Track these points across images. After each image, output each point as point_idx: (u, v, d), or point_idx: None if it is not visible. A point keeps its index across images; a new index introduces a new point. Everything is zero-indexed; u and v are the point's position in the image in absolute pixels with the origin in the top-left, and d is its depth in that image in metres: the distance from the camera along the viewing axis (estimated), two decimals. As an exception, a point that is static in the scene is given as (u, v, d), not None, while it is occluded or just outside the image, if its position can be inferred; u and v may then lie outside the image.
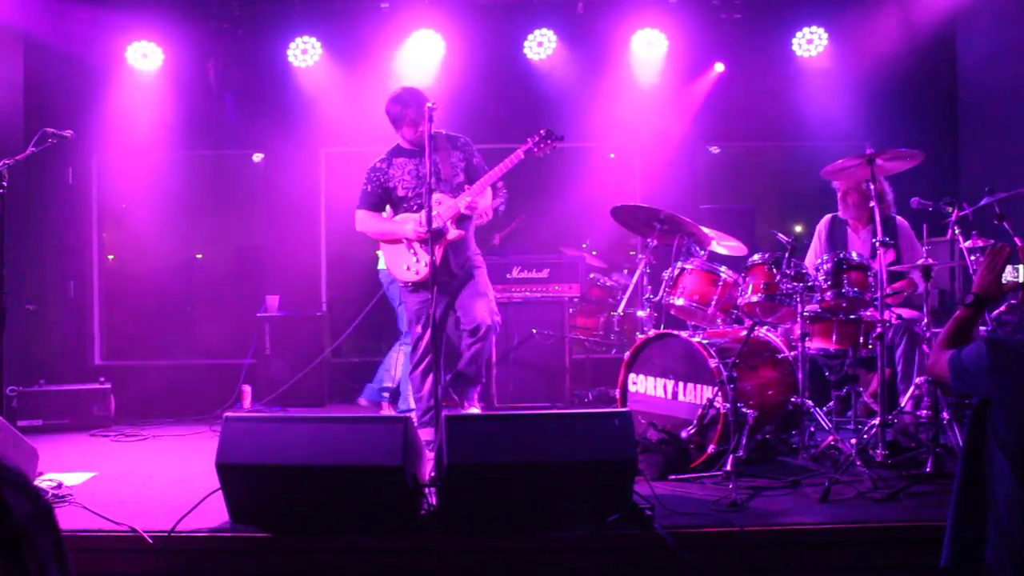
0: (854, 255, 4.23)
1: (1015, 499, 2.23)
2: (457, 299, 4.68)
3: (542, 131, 4.47)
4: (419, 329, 4.59)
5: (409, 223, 4.53)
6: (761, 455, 4.16)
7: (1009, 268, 2.59)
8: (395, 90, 4.68)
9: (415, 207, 4.59)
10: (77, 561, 3.24)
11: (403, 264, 4.61)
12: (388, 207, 4.76)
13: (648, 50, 6.81)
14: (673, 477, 3.88)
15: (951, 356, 2.47)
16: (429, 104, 4.20)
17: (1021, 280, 2.61)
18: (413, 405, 5.58)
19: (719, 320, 4.49)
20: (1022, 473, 2.23)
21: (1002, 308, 4.61)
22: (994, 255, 2.63)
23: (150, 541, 3.11)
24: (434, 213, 4.31)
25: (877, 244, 4.01)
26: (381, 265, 5.58)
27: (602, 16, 6.86)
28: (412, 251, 4.56)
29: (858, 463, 3.77)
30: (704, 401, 4.06)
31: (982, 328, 4.21)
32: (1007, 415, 2.27)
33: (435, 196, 4.40)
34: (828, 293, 4.19)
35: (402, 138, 4.70)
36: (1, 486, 1.37)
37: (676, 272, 4.51)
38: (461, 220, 4.57)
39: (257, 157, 7.68)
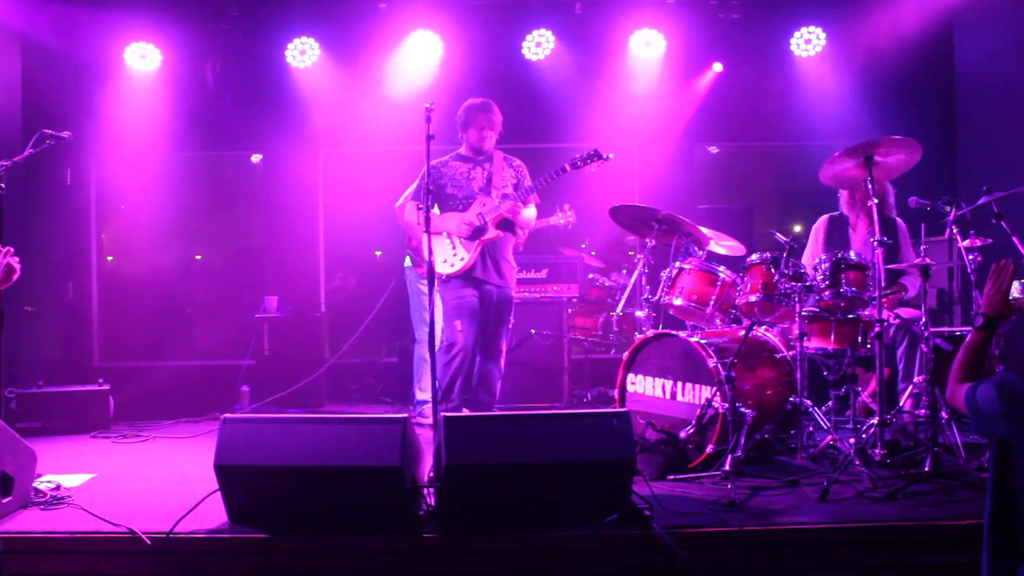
0: (852, 255, 4.24)
1: None
2: (489, 312, 4.88)
3: (591, 150, 4.80)
4: (458, 324, 4.77)
5: (453, 220, 4.83)
6: (760, 455, 4.16)
7: (1016, 284, 2.52)
8: (473, 99, 4.97)
9: (461, 207, 4.87)
10: (76, 563, 3.26)
11: (441, 257, 4.85)
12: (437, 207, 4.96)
13: (646, 50, 6.81)
14: (672, 477, 3.89)
15: (966, 394, 2.39)
16: (427, 104, 4.23)
17: None
18: (423, 396, 5.60)
19: (717, 320, 4.50)
20: None
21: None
22: (999, 273, 2.55)
23: (148, 542, 3.11)
24: (477, 212, 4.82)
25: (875, 243, 4.02)
26: (408, 263, 5.65)
27: (600, 16, 6.86)
28: (451, 245, 4.82)
29: (857, 462, 3.77)
30: (703, 401, 4.06)
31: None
32: None
33: (481, 199, 4.85)
34: (826, 293, 4.19)
35: (465, 143, 4.97)
36: None
37: (674, 272, 4.51)
38: (503, 224, 4.85)
39: (256, 158, 7.69)
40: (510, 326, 5.00)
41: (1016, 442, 2.28)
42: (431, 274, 4.24)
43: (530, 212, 4.96)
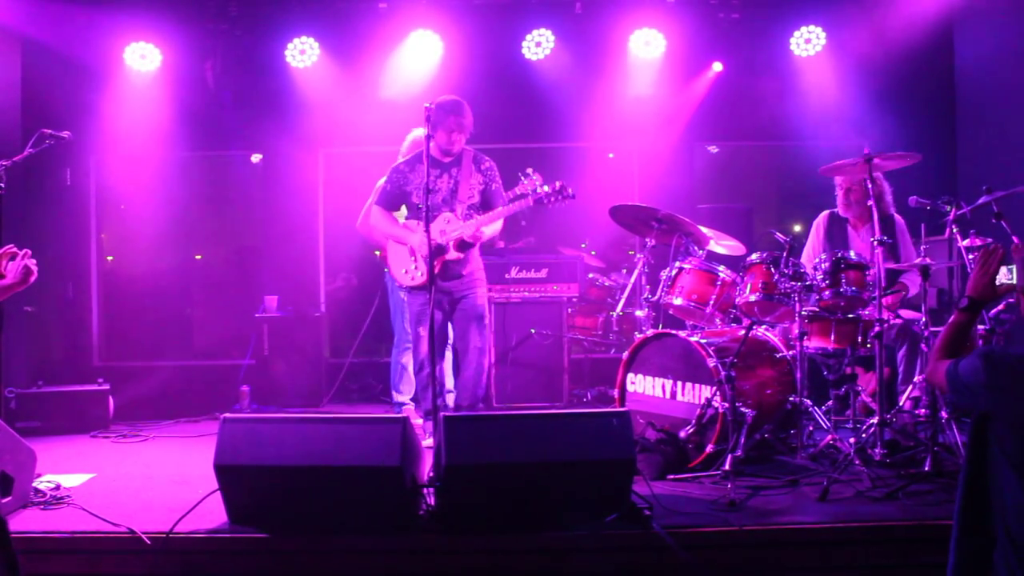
0: (852, 254, 4.24)
1: None
2: (454, 315, 4.77)
3: (557, 183, 4.51)
4: (421, 331, 4.65)
5: (417, 234, 4.59)
6: (760, 454, 4.16)
7: (1004, 270, 2.55)
8: (444, 97, 4.71)
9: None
10: (75, 563, 3.26)
11: (403, 268, 4.73)
12: (405, 208, 4.86)
13: (646, 50, 6.81)
14: (672, 477, 3.89)
15: (948, 368, 2.41)
16: (427, 104, 4.23)
17: (1015, 281, 2.57)
18: (401, 399, 5.60)
19: (717, 319, 4.50)
20: None
21: (1000, 307, 4.62)
22: (987, 257, 2.61)
23: (148, 542, 3.11)
24: (440, 229, 4.57)
25: (875, 243, 4.02)
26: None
27: (600, 16, 6.85)
28: (413, 258, 4.68)
29: (857, 462, 3.77)
30: (702, 400, 4.06)
31: (980, 327, 4.22)
32: (1012, 430, 2.24)
33: (445, 215, 4.62)
34: (826, 292, 4.19)
35: (434, 143, 4.68)
36: None
37: (674, 272, 4.51)
38: (463, 244, 4.62)
39: (255, 158, 7.68)
40: (487, 322, 4.81)
41: (995, 414, 2.29)
42: (432, 275, 4.22)
43: (494, 227, 4.73)
